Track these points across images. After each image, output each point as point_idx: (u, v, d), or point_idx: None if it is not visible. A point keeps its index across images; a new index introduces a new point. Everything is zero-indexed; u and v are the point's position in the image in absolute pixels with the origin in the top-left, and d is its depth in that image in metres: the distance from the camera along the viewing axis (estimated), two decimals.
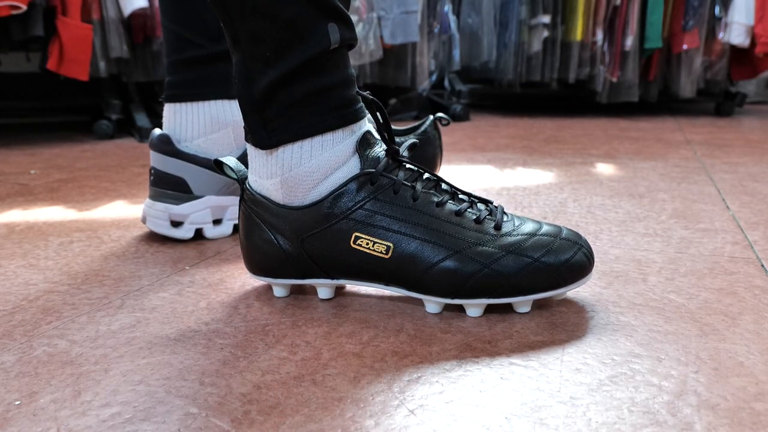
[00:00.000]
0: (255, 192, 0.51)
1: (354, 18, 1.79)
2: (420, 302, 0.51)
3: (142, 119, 1.62)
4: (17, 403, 0.37)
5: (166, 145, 0.68)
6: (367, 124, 0.52)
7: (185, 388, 0.38)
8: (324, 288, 0.52)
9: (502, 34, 2.03)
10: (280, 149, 0.49)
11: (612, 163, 1.18)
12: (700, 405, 0.36)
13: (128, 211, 0.84)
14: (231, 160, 0.52)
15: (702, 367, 0.40)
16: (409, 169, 0.51)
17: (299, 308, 0.50)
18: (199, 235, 0.70)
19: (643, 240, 0.68)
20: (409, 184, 0.49)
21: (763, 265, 0.59)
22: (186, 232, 0.69)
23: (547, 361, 0.41)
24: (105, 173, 1.12)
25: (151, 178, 0.69)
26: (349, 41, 0.49)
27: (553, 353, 0.42)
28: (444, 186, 0.51)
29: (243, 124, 0.69)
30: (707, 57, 1.98)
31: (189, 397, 0.37)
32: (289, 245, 0.50)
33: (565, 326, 0.46)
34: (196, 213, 0.69)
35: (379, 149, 0.51)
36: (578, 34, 1.94)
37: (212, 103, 0.69)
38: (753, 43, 1.90)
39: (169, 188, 0.68)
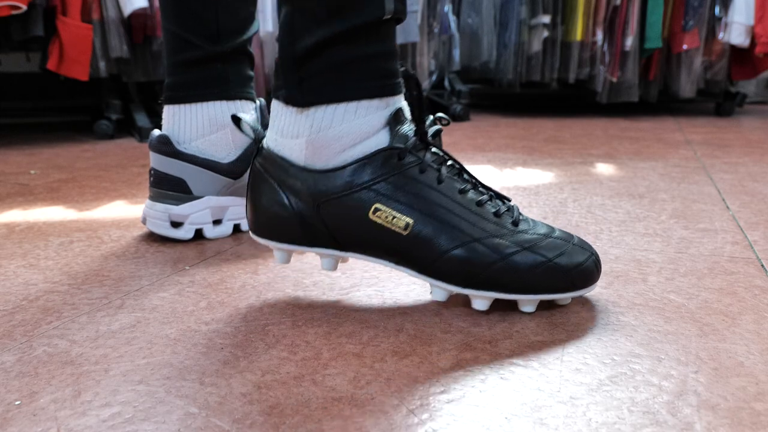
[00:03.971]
0: (272, 151, 0.50)
1: None
2: (420, 302, 0.51)
3: (142, 119, 1.62)
4: (17, 403, 0.37)
5: (165, 146, 0.68)
6: (403, 101, 0.52)
7: (185, 387, 0.38)
8: (328, 258, 0.51)
9: (502, 34, 2.03)
10: (312, 109, 0.48)
11: (612, 163, 1.18)
12: (700, 405, 0.36)
13: (128, 211, 0.84)
14: (249, 118, 0.52)
15: (702, 367, 0.40)
16: (435, 152, 0.51)
17: (299, 308, 0.50)
18: (198, 235, 0.71)
19: (643, 240, 0.68)
20: (435, 166, 0.50)
21: (763, 265, 0.59)
22: (186, 232, 0.69)
23: (547, 361, 0.41)
24: (105, 173, 1.13)
25: (151, 179, 0.69)
26: (400, 14, 0.49)
27: (553, 353, 0.42)
28: (466, 175, 0.52)
29: (251, 124, 0.70)
30: (707, 57, 1.98)
31: (189, 396, 0.37)
32: (304, 208, 0.49)
33: (565, 326, 0.46)
34: (196, 213, 0.69)
35: (409, 128, 0.50)
36: (578, 34, 1.94)
37: (210, 104, 0.69)
38: (753, 43, 1.90)
39: (169, 189, 0.68)
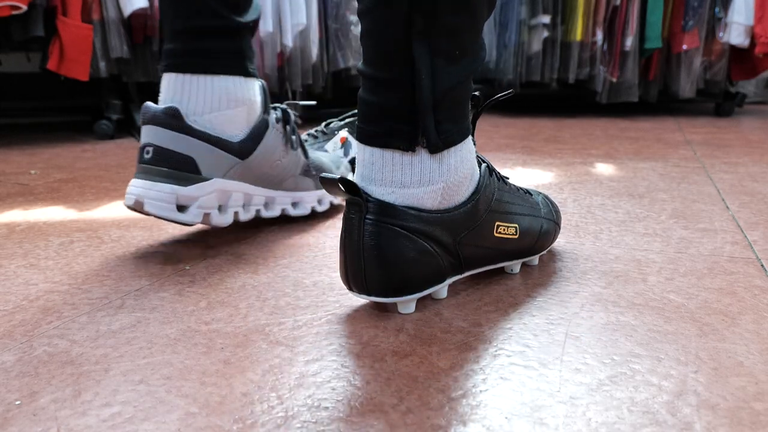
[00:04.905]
0: (396, 206, 0.47)
1: (353, 18, 1.79)
2: (420, 302, 0.51)
3: None
4: (17, 402, 0.37)
5: (176, 120, 0.61)
6: None
7: (186, 387, 0.38)
8: (446, 288, 0.52)
9: (502, 34, 2.03)
10: (445, 152, 0.47)
11: (612, 163, 1.18)
12: (700, 405, 0.36)
13: (128, 211, 0.84)
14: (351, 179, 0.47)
15: (702, 367, 0.40)
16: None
17: (300, 308, 0.50)
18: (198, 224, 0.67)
19: (643, 240, 0.68)
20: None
21: (762, 265, 0.59)
22: (194, 216, 0.62)
23: (547, 361, 0.41)
24: (105, 173, 1.13)
25: (148, 155, 0.61)
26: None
27: (553, 353, 0.42)
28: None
29: (260, 103, 0.67)
30: (707, 57, 1.98)
31: (190, 396, 0.37)
32: (444, 249, 0.49)
33: (565, 326, 0.46)
34: (204, 196, 0.63)
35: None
36: (578, 35, 1.94)
37: (229, 78, 0.64)
38: (753, 43, 1.90)
39: (174, 167, 0.61)
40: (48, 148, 1.45)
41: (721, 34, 1.93)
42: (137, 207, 0.61)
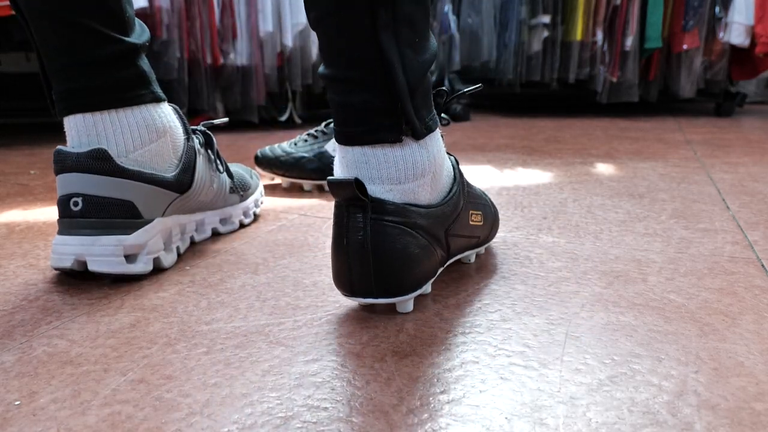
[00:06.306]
0: (397, 203, 0.47)
1: None
2: (420, 302, 0.51)
3: None
4: (17, 403, 0.37)
5: (105, 163, 0.55)
6: None
7: (186, 387, 0.38)
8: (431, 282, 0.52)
9: (502, 34, 2.03)
10: (427, 139, 0.49)
11: (612, 163, 1.18)
12: (700, 405, 0.36)
13: None
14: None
15: (702, 367, 0.40)
16: None
17: (299, 308, 0.50)
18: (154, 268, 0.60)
19: (643, 240, 0.68)
20: None
21: (763, 265, 0.59)
22: (145, 264, 0.57)
23: (547, 361, 0.41)
24: None
25: (77, 208, 0.55)
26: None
27: (553, 353, 0.42)
28: None
29: (180, 129, 0.63)
30: (707, 57, 1.98)
31: (190, 396, 0.37)
32: (438, 243, 0.50)
33: (565, 326, 0.46)
34: (151, 240, 0.58)
35: None
36: (578, 34, 1.94)
37: (142, 107, 0.59)
38: (753, 43, 1.90)
39: (113, 216, 0.56)
40: (48, 148, 1.45)
41: (721, 34, 1.93)
42: (77, 267, 0.55)
